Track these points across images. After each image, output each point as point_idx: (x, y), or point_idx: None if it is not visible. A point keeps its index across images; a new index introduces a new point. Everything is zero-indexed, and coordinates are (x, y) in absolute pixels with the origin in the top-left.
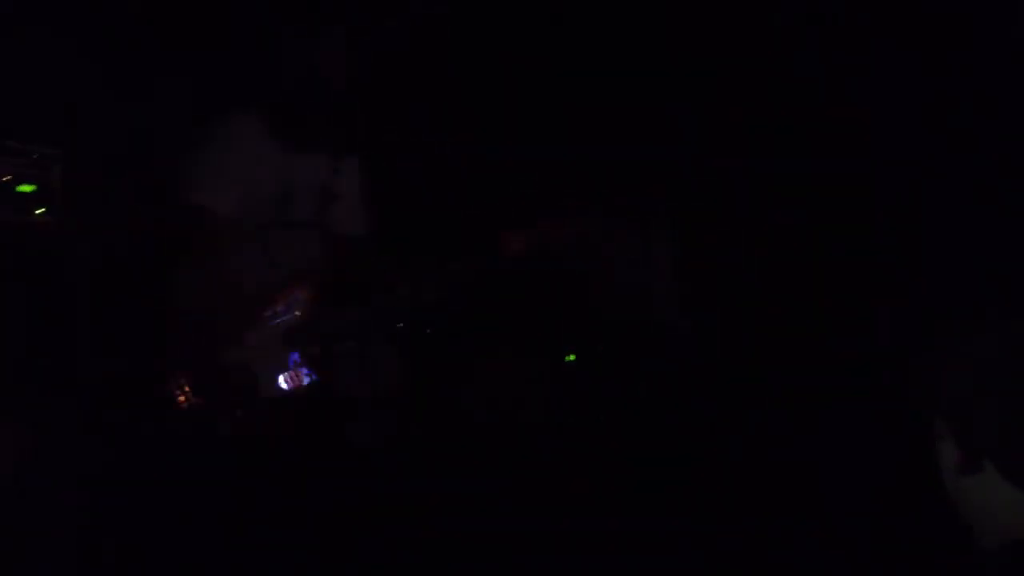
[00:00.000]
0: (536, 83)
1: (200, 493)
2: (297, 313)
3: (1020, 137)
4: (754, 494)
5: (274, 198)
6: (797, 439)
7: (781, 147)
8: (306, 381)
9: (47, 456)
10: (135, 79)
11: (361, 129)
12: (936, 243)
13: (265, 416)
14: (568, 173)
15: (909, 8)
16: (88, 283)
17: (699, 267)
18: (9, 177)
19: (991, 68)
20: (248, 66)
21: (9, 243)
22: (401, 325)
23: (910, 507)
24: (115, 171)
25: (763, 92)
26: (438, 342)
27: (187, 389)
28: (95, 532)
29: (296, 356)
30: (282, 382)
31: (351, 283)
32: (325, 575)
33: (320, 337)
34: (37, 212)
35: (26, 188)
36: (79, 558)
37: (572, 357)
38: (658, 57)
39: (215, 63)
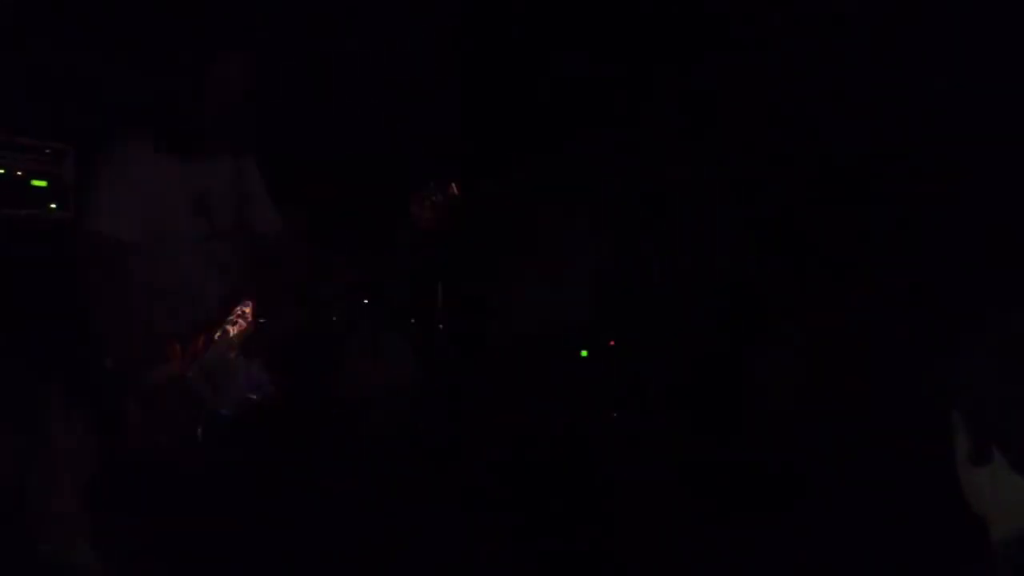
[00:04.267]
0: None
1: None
2: (245, 323)
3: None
4: (763, 489)
5: (188, 211)
6: (806, 435)
7: (779, 145)
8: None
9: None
10: None
11: (255, 132)
12: (944, 239)
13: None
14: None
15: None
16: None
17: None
18: (21, 173)
19: (990, 67)
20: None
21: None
22: (414, 321)
23: (922, 498)
24: None
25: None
26: (449, 337)
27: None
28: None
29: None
30: (249, 393)
31: (287, 282)
32: (336, 566)
33: (280, 342)
34: (50, 207)
35: (39, 183)
36: None
37: (585, 353)
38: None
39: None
